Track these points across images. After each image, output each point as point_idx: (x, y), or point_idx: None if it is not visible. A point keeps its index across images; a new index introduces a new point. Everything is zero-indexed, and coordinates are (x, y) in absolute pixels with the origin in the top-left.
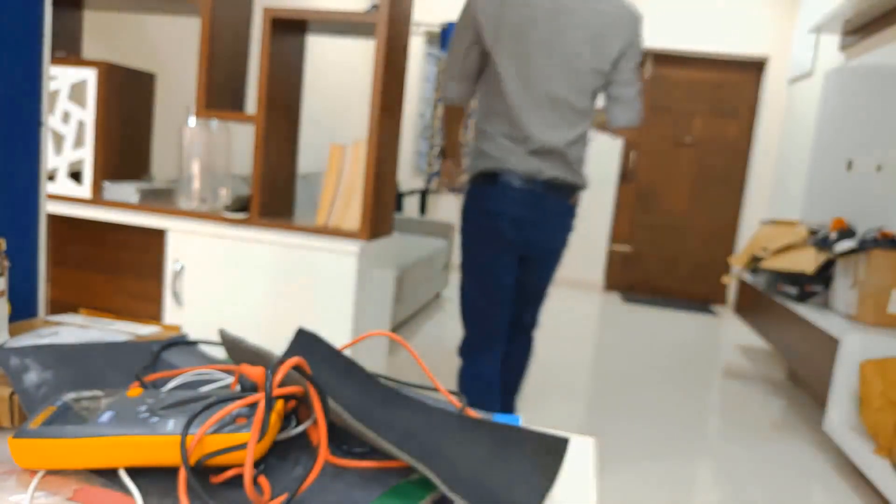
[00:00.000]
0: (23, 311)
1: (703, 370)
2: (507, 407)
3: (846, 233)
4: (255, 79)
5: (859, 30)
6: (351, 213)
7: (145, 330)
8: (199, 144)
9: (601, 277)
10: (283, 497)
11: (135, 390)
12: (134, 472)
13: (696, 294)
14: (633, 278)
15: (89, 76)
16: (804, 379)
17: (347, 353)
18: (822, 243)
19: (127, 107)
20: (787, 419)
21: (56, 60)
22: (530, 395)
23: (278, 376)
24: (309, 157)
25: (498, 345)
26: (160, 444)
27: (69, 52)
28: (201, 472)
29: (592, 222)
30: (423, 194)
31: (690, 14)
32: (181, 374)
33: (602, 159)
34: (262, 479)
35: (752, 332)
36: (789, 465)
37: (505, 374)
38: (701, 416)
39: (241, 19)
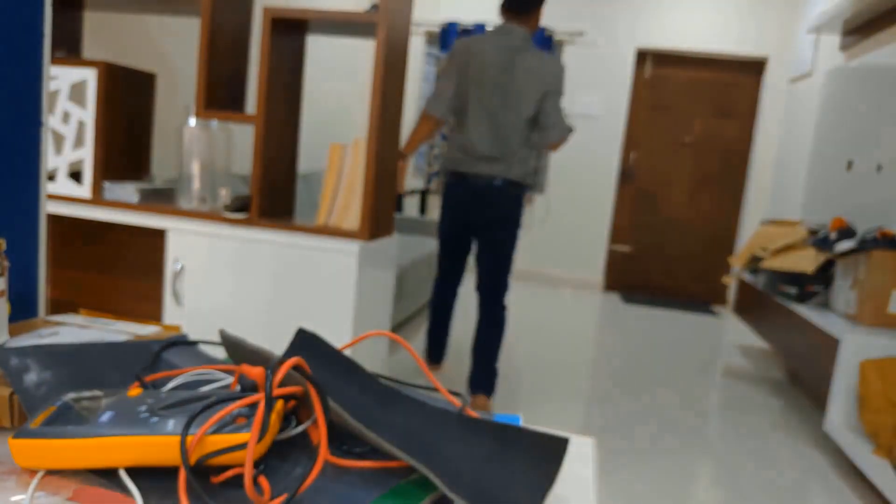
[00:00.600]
0: (23, 311)
1: (703, 370)
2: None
3: (846, 233)
4: (255, 79)
5: (859, 30)
6: (351, 213)
7: (145, 330)
8: (199, 144)
9: (601, 277)
10: (283, 497)
11: (135, 390)
12: (134, 472)
13: (696, 294)
14: (633, 278)
15: (89, 76)
16: (804, 379)
17: (347, 353)
18: (822, 243)
19: (127, 107)
20: (787, 419)
21: (56, 60)
22: (530, 395)
23: (278, 376)
24: (309, 157)
25: (448, 288)
26: (160, 444)
27: (69, 52)
28: (201, 472)
29: (592, 222)
30: (423, 194)
31: (691, 14)
32: (181, 374)
33: (602, 159)
34: (262, 479)
35: (752, 333)
36: (789, 466)
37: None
38: (701, 417)
39: (241, 19)
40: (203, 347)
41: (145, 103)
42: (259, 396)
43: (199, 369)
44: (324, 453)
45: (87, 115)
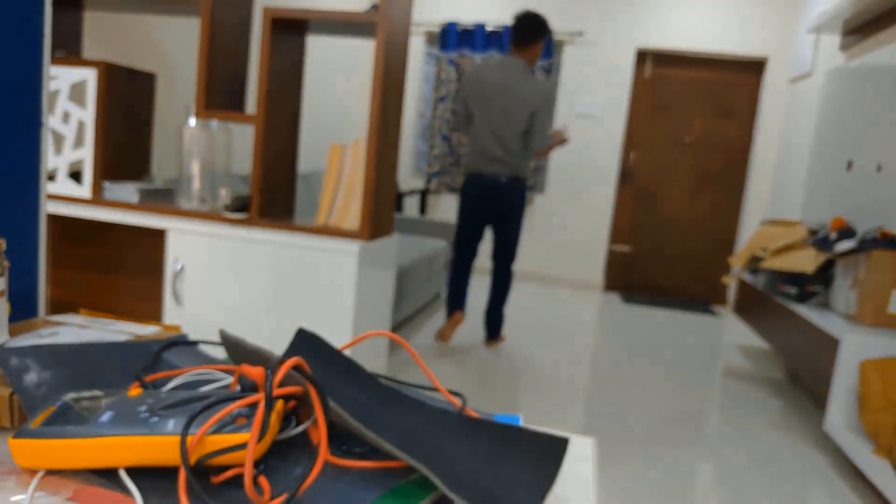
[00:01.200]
0: (23, 311)
1: (703, 370)
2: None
3: (846, 233)
4: (255, 79)
5: (859, 30)
6: (351, 213)
7: (145, 330)
8: (199, 144)
9: (601, 277)
10: (283, 497)
11: (135, 390)
12: (134, 472)
13: (696, 294)
14: (633, 278)
15: (89, 76)
16: (804, 379)
17: (347, 353)
18: (822, 243)
19: (127, 107)
20: (787, 419)
21: (56, 60)
22: (530, 394)
23: (278, 376)
24: (309, 157)
25: (468, 256)
26: (160, 444)
27: (69, 52)
28: (201, 472)
29: (592, 222)
30: (423, 194)
31: (690, 14)
32: (181, 374)
33: (602, 159)
34: (262, 479)
35: (752, 332)
36: (789, 466)
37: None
38: (701, 417)
39: (241, 19)
40: (203, 347)
41: (145, 103)
42: (259, 396)
43: (199, 369)
44: (324, 453)
45: (87, 115)
